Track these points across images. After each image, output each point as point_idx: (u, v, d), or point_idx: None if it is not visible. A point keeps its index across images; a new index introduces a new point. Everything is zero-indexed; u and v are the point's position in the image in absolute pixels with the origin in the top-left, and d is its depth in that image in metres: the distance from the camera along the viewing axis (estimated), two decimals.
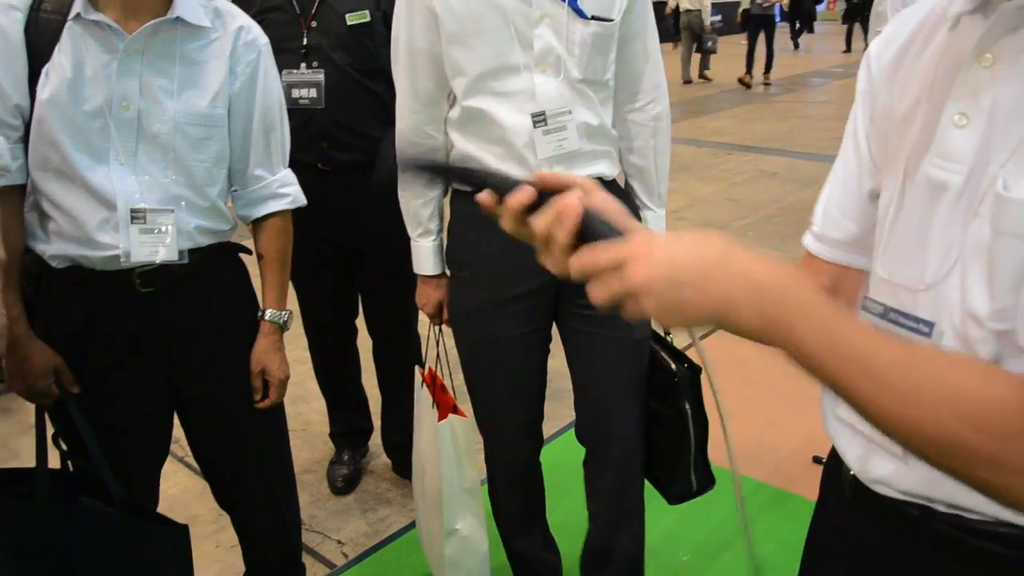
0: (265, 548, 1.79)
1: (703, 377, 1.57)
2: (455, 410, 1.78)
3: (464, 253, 1.65)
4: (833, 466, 0.90)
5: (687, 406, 1.59)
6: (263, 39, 1.54)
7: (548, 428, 1.91)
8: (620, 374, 1.64)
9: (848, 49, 14.62)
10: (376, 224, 2.17)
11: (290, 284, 1.71)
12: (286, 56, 2.05)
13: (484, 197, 0.75)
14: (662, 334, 1.71)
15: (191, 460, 1.83)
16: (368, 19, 2.12)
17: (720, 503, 1.88)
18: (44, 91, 1.35)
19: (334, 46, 2.13)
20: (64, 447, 1.50)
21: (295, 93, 2.13)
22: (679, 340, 1.66)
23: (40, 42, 1.36)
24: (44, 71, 1.35)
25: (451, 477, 1.75)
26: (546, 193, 0.71)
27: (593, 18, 1.50)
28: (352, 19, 2.12)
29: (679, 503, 1.71)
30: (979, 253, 0.67)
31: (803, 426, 2.69)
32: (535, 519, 1.92)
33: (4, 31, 1.35)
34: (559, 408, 2.71)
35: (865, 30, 13.05)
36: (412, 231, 1.71)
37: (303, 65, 2.14)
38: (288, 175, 1.64)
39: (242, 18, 1.52)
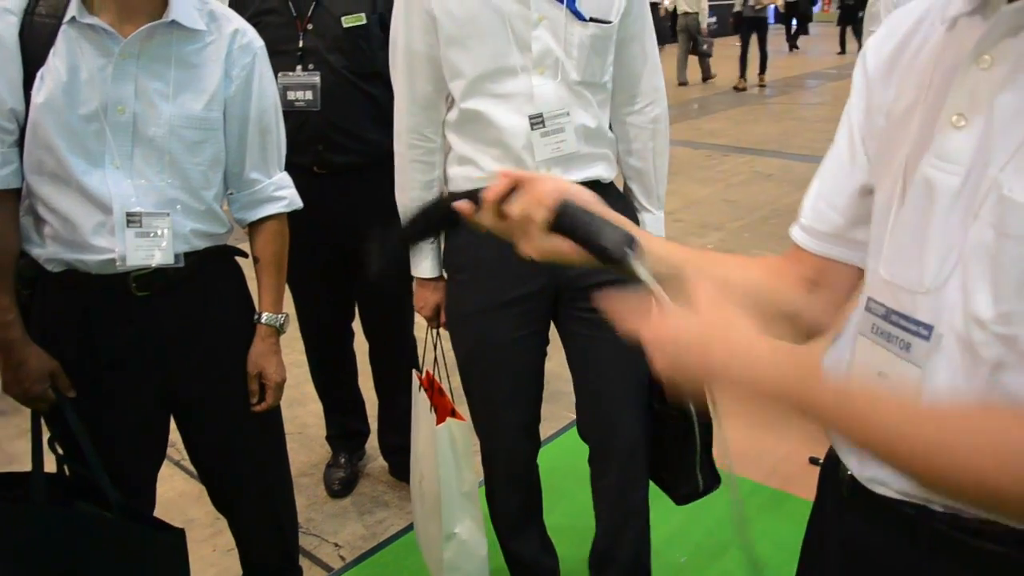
0: (262, 551, 1.78)
1: None
2: (453, 413, 1.77)
3: (462, 256, 1.64)
4: (830, 466, 0.90)
5: (692, 406, 1.59)
6: (258, 42, 1.54)
7: (545, 430, 1.91)
8: (622, 376, 1.64)
9: (843, 51, 14.65)
10: (373, 227, 2.16)
11: (286, 287, 1.70)
12: (282, 58, 2.04)
13: (463, 205, 0.79)
14: None
15: (188, 463, 1.82)
16: (364, 22, 2.12)
17: (718, 504, 1.89)
18: (39, 95, 1.35)
19: (330, 48, 2.12)
20: (60, 451, 1.50)
21: (291, 95, 2.13)
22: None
23: (35, 46, 1.35)
24: (39, 75, 1.35)
25: (449, 481, 1.75)
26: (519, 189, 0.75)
27: (591, 20, 1.50)
28: (348, 22, 2.11)
29: (686, 503, 1.72)
30: (981, 255, 0.67)
31: (800, 427, 2.69)
32: (532, 521, 1.92)
33: None
34: (556, 410, 2.71)
35: (856, 33, 13.10)
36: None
37: (299, 67, 2.13)
38: (284, 178, 1.64)
39: (237, 21, 1.52)
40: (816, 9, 18.20)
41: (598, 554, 1.83)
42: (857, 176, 0.85)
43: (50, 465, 1.48)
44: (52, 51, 1.35)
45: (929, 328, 0.71)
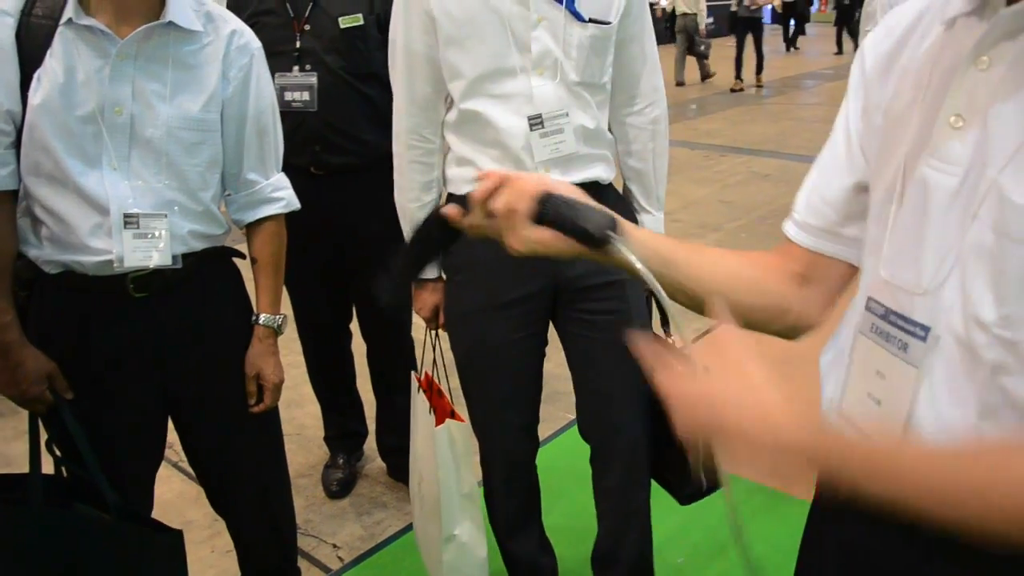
0: (260, 553, 1.78)
1: None
2: (452, 415, 1.77)
3: (460, 257, 1.64)
4: None
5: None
6: (256, 43, 1.54)
7: (543, 431, 1.91)
8: (623, 376, 1.64)
9: (839, 51, 14.66)
10: (370, 227, 2.16)
11: (284, 288, 1.70)
12: (279, 59, 2.04)
13: (450, 210, 0.81)
14: (663, 335, 1.71)
15: (186, 465, 1.82)
16: (361, 22, 2.12)
17: (716, 505, 1.88)
18: (36, 96, 1.34)
19: (327, 49, 2.12)
20: (58, 453, 1.49)
21: (288, 96, 2.12)
22: (678, 341, 1.66)
23: (32, 47, 1.35)
24: (36, 76, 1.34)
25: (449, 482, 1.75)
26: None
27: (591, 21, 1.50)
28: (345, 22, 2.11)
29: (690, 503, 1.72)
30: (981, 257, 0.66)
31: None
32: (531, 522, 1.91)
33: None
34: (554, 411, 2.72)
35: (852, 33, 13.11)
36: (408, 235, 1.71)
37: (296, 68, 2.13)
38: (282, 179, 1.64)
39: (234, 22, 1.52)
40: (814, 9, 18.21)
41: (601, 554, 1.83)
42: (852, 173, 0.86)
43: (48, 467, 1.48)
44: (49, 52, 1.35)
45: (926, 329, 0.71)
